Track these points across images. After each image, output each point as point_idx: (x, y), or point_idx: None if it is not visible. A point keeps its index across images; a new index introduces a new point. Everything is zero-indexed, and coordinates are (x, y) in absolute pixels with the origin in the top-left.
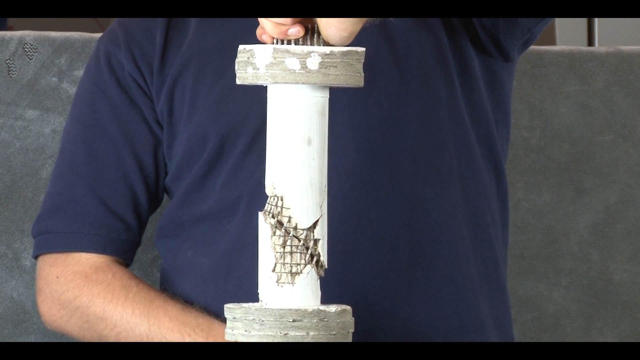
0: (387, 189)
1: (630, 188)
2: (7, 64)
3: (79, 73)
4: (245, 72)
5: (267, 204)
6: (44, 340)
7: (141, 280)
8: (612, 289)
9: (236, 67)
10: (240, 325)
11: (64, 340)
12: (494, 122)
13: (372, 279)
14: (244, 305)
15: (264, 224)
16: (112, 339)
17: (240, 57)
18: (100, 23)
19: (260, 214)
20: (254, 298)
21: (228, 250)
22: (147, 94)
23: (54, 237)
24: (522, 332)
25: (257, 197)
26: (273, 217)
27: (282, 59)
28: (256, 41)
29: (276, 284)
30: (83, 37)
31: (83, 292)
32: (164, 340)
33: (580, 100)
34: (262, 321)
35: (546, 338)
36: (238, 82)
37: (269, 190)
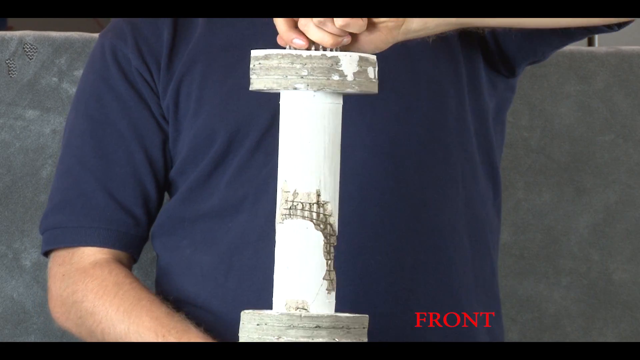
0: (392, 192)
1: (630, 188)
2: (7, 64)
3: (79, 73)
4: (328, 79)
5: (308, 212)
6: (44, 340)
7: (136, 280)
8: (612, 289)
9: (307, 72)
10: (325, 333)
11: (64, 340)
12: (492, 131)
13: (373, 280)
14: (328, 314)
15: (314, 231)
16: (99, 335)
17: (322, 63)
18: (100, 23)
19: (302, 220)
20: (255, 295)
21: (229, 248)
22: (154, 89)
23: (62, 232)
24: (522, 332)
25: (262, 196)
26: (323, 224)
27: (365, 68)
28: (263, 40)
29: (326, 291)
30: (83, 37)
31: (79, 287)
32: (140, 339)
33: (580, 100)
34: (349, 328)
35: (546, 338)
36: (313, 88)
37: (311, 197)
